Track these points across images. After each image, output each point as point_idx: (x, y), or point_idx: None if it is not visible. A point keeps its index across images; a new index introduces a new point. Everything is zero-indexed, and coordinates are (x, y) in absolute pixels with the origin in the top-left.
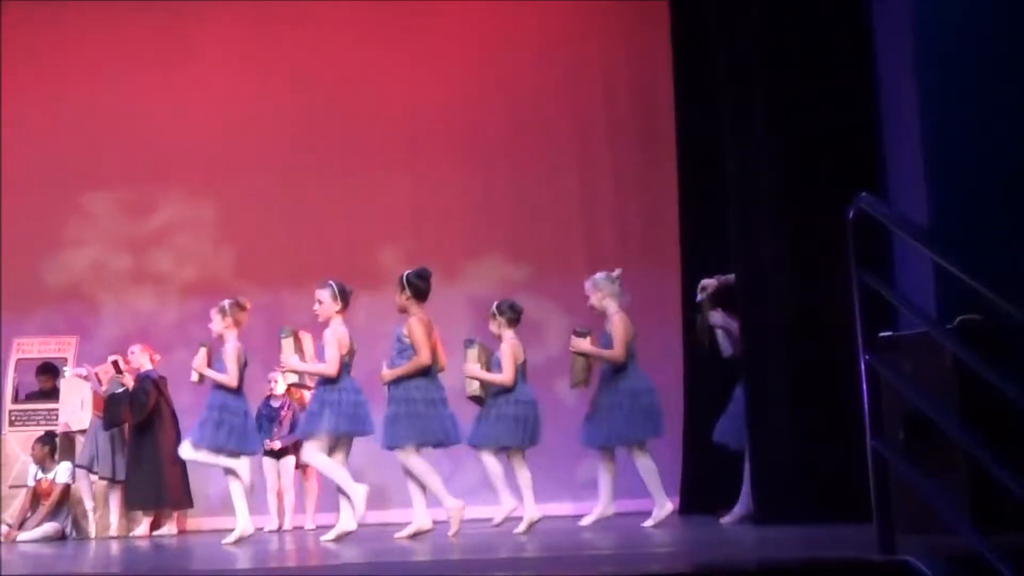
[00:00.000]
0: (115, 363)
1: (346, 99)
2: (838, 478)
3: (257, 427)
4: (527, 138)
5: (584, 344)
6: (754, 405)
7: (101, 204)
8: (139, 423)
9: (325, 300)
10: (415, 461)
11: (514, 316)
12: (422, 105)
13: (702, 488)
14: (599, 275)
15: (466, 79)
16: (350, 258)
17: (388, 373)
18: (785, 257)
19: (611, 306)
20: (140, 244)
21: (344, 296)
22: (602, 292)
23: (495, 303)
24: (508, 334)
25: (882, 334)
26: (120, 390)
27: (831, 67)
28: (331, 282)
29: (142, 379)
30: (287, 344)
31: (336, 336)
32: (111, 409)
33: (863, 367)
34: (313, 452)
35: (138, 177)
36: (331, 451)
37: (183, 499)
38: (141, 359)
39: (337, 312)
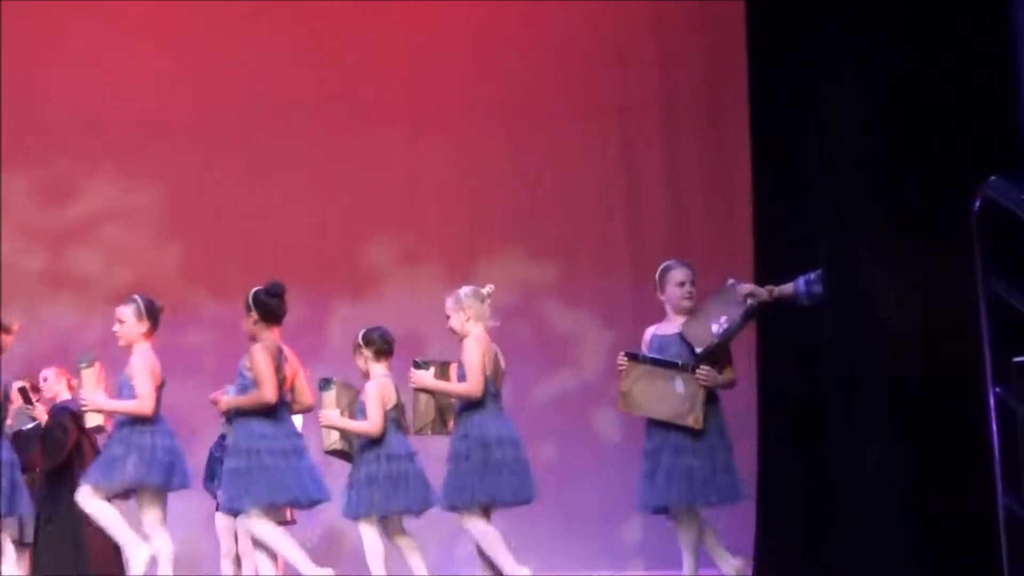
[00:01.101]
0: (22, 391)
1: (326, 47)
2: (953, 541)
3: (207, 474)
4: (561, 106)
5: (424, 378)
6: (839, 443)
7: (6, 188)
8: (54, 467)
9: (127, 319)
10: (261, 527)
11: (385, 347)
12: (425, 55)
13: (783, 548)
14: (465, 290)
15: (487, 24)
16: (329, 255)
17: (225, 400)
18: (888, 261)
19: (475, 331)
20: (56, 238)
21: (153, 315)
22: (467, 313)
23: (361, 331)
24: (377, 370)
25: (1017, 359)
26: (29, 426)
27: (950, 19)
28: (136, 297)
29: (58, 412)
30: (87, 375)
31: (147, 365)
32: (18, 451)
33: (992, 402)
34: (87, 497)
35: (53, 152)
36: (146, 504)
37: (111, 565)
38: (56, 386)
39: (143, 335)
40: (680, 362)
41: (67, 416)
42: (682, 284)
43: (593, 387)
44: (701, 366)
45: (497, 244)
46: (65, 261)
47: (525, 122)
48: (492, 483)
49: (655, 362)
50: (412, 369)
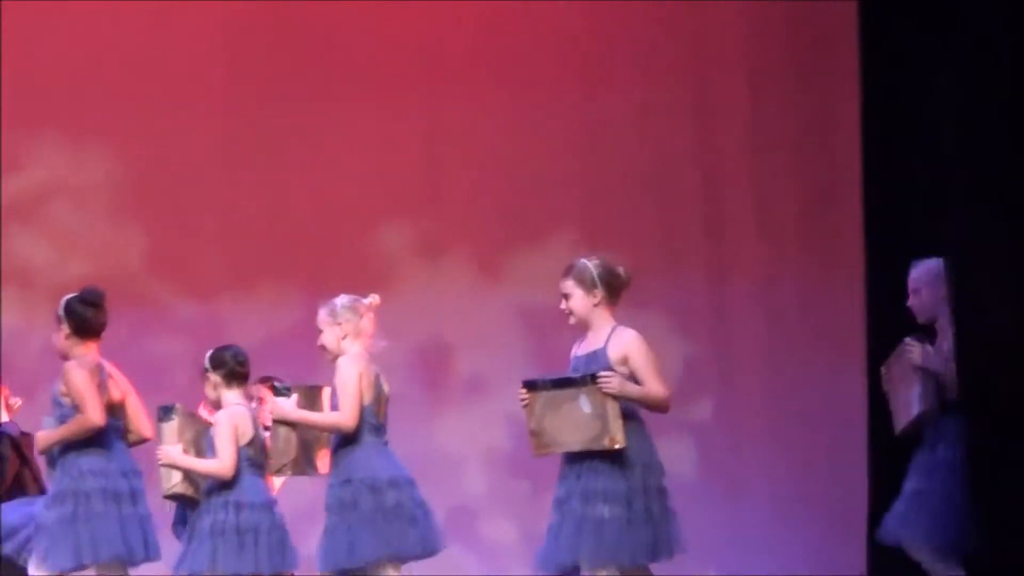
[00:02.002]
0: None
1: None
2: None
3: (177, 525)
4: (617, 66)
5: (284, 407)
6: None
7: None
8: None
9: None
10: None
11: (239, 369)
12: (448, 5)
13: None
14: (342, 300)
15: None
16: (332, 245)
17: (42, 436)
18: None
19: (352, 350)
20: None
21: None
22: (343, 328)
23: (209, 352)
24: (230, 398)
25: None
26: None
27: None
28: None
29: None
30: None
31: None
32: None
33: None
34: None
35: None
36: None
37: None
38: None
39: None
40: (577, 375)
41: (5, 442)
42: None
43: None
44: (602, 372)
45: (535, 232)
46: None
47: (575, 84)
48: (394, 535)
49: (555, 384)
50: (270, 395)
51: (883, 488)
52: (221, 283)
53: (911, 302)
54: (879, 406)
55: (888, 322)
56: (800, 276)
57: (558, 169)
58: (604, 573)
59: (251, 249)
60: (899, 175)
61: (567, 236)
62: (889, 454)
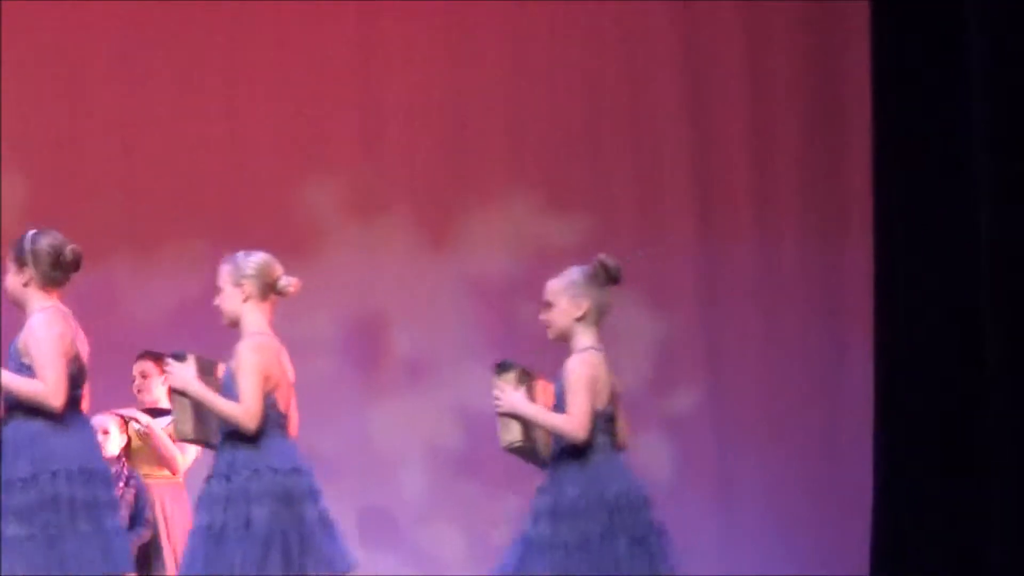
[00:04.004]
0: None
1: None
2: None
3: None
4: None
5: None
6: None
7: None
8: None
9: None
10: None
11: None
12: None
13: None
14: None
15: None
16: (249, 201)
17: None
18: None
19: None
20: None
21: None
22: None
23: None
24: None
25: None
26: None
27: None
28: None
29: None
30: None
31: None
32: None
33: None
34: None
35: None
36: None
37: None
38: None
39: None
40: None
41: None
42: None
43: (633, 400)
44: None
45: (496, 186)
46: None
47: (541, 14)
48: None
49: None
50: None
51: (890, 488)
52: (115, 243)
53: (542, 316)
54: (886, 395)
55: (897, 301)
56: (799, 248)
57: (519, 117)
58: None
59: (151, 203)
60: (912, 141)
61: (527, 196)
62: (897, 450)
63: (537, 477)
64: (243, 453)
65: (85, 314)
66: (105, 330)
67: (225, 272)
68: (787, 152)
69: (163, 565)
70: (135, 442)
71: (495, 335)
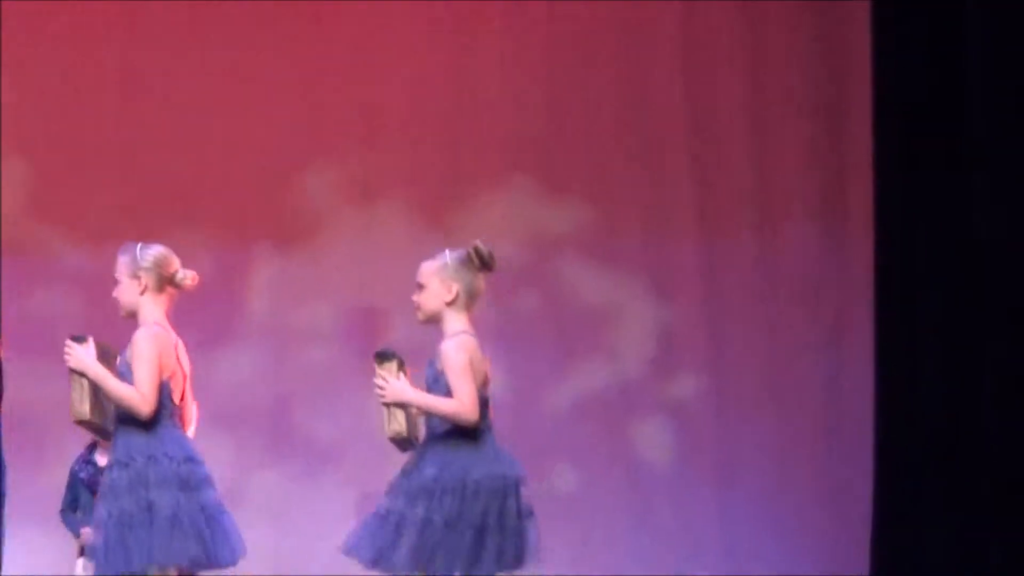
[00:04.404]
0: None
1: None
2: None
3: (68, 503)
4: None
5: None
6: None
7: None
8: None
9: None
10: None
11: None
12: None
13: None
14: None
15: None
16: (247, 187)
17: None
18: None
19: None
20: None
21: None
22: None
23: None
24: None
25: None
26: None
27: None
28: None
29: None
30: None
31: None
32: None
33: None
34: None
35: None
36: None
37: None
38: None
39: None
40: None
41: None
42: None
43: (634, 387)
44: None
45: (495, 173)
46: None
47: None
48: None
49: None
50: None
51: (891, 476)
52: (118, 229)
53: (414, 297)
54: (888, 381)
55: (899, 286)
56: (801, 232)
57: (517, 101)
58: None
59: (154, 190)
60: (915, 118)
61: (526, 181)
62: (899, 438)
63: (532, 459)
64: (138, 440)
65: (87, 296)
66: (104, 314)
67: (122, 264)
68: (788, 139)
69: None
70: None
71: (492, 319)
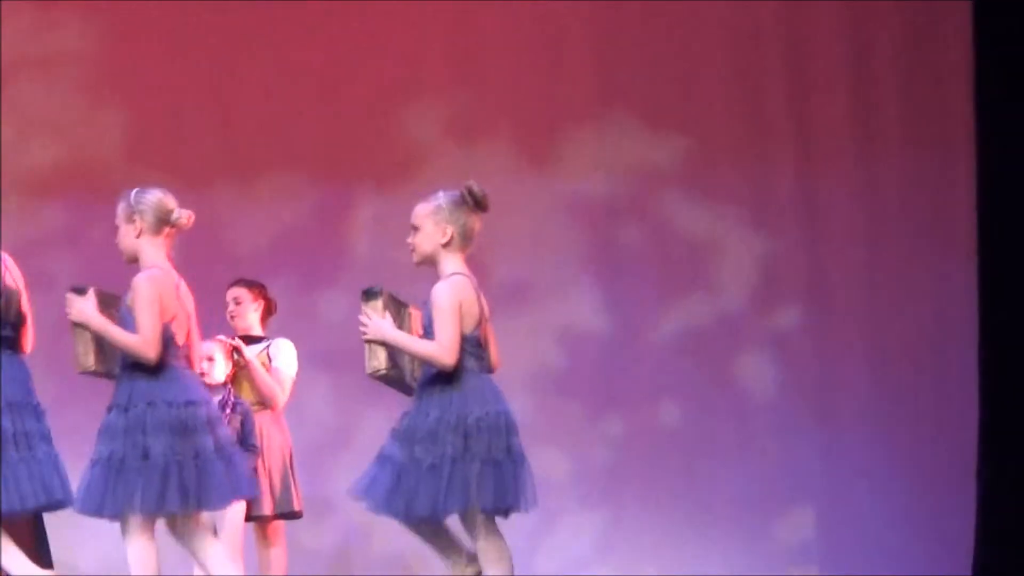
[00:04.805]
0: None
1: None
2: None
3: None
4: None
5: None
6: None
7: None
8: None
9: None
10: None
11: None
12: None
13: None
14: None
15: None
16: (348, 127)
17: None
18: None
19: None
20: None
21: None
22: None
23: None
24: None
25: None
26: None
27: None
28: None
29: None
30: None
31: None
32: None
33: None
34: None
35: None
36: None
37: None
38: None
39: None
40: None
41: None
42: None
43: (736, 320)
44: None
45: (592, 109)
46: None
47: None
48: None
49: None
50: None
51: (994, 416)
52: (216, 172)
53: (409, 239)
54: (993, 319)
55: (1004, 222)
56: (901, 172)
57: (612, 37)
58: None
59: (251, 133)
60: (1018, 58)
61: (623, 116)
62: (1004, 376)
63: (636, 394)
64: (141, 384)
65: (189, 242)
66: (207, 258)
67: (119, 210)
68: (887, 76)
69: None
70: (241, 369)
71: (593, 253)
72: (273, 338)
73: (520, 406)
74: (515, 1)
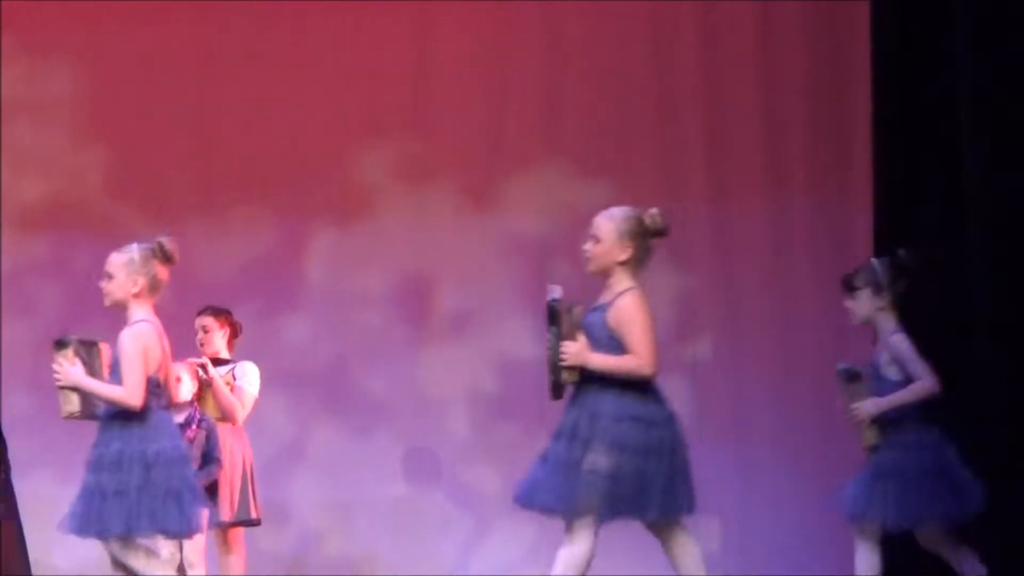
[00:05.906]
0: None
1: None
2: None
3: None
4: None
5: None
6: None
7: None
8: None
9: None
10: None
11: None
12: None
13: None
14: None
15: None
16: (308, 167)
17: None
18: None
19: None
20: None
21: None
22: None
23: None
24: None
25: None
26: None
27: None
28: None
29: None
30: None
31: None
32: None
33: None
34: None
35: None
36: None
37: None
38: None
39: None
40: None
41: None
42: None
43: (660, 346)
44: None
45: (533, 156)
46: None
47: (574, 1)
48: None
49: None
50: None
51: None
52: (189, 208)
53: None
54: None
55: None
56: (810, 200)
57: (553, 91)
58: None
59: (222, 171)
60: (913, 91)
61: (560, 162)
62: None
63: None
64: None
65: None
66: (180, 284)
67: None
68: (795, 122)
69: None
70: (206, 387)
71: (531, 289)
72: (239, 360)
73: (460, 426)
74: (465, 58)
